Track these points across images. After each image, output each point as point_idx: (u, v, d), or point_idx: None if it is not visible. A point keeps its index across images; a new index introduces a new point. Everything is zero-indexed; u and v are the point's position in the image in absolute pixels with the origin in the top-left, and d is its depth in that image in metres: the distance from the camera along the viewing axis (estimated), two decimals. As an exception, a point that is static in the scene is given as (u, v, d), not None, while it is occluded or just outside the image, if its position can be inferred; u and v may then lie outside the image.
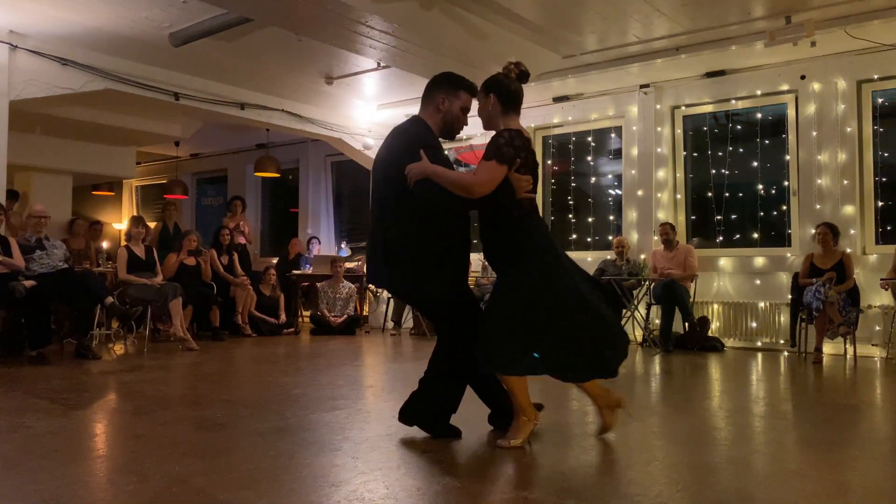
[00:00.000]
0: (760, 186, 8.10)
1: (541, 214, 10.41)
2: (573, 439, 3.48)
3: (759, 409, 4.35)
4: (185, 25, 6.78)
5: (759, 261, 7.86)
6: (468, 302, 3.47)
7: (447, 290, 3.39)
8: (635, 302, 7.85)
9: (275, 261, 10.84)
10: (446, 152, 3.56)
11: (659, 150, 8.58)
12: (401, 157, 3.24)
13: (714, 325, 7.89)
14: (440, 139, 3.49)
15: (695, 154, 8.61)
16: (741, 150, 8.28)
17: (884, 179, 7.43)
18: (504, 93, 3.31)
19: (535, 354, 3.11)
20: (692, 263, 7.75)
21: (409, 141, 3.31)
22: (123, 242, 8.14)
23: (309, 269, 10.16)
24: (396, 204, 3.30)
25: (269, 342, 8.12)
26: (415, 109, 9.95)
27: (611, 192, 9.45)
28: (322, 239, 11.65)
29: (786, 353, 7.23)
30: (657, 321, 7.73)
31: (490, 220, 3.32)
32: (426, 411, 3.45)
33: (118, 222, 14.08)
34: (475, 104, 3.47)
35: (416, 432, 3.47)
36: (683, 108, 8.55)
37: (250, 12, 6.28)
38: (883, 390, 5.27)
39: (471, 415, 4.05)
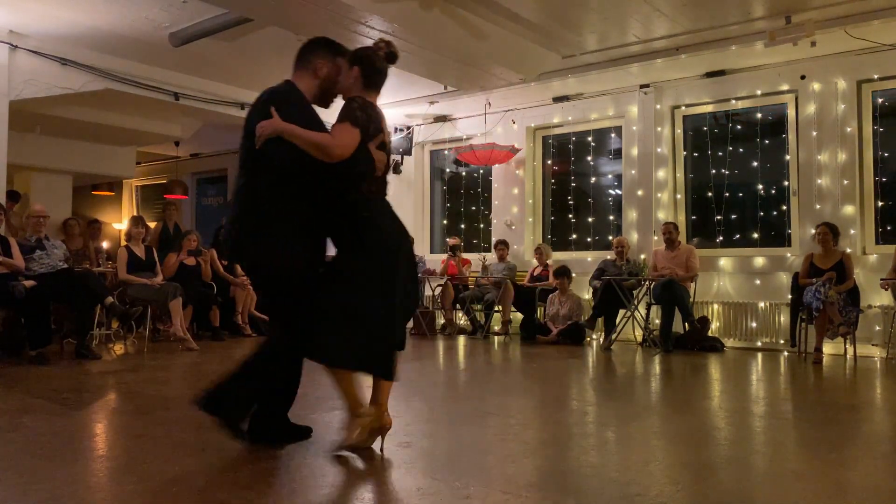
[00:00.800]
0: (760, 186, 8.10)
1: (539, 214, 10.33)
2: (573, 439, 3.48)
3: (759, 409, 4.35)
4: (185, 25, 6.78)
5: (759, 261, 7.86)
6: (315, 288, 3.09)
7: (299, 268, 3.02)
8: (635, 302, 7.85)
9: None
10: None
11: (659, 150, 8.58)
12: (254, 117, 3.04)
13: (714, 325, 7.89)
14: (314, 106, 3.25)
15: (695, 154, 8.61)
16: (741, 150, 8.28)
17: (884, 179, 7.43)
18: (369, 68, 3.18)
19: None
20: (694, 264, 7.75)
21: (267, 100, 3.09)
22: (123, 242, 8.14)
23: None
24: (252, 166, 3.04)
25: (269, 342, 8.11)
26: (415, 109, 9.95)
27: (611, 192, 9.45)
28: (322, 239, 11.64)
29: (786, 353, 7.23)
30: (657, 321, 7.73)
31: (339, 200, 3.08)
32: (240, 405, 3.10)
33: (118, 222, 14.07)
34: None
35: (416, 432, 3.47)
36: (683, 108, 8.55)
37: (250, 12, 6.28)
38: (883, 390, 5.27)
39: (469, 414, 4.05)
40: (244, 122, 3.13)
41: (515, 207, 9.82)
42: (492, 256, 9.32)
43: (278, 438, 3.16)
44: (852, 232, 7.31)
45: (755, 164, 8.14)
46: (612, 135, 9.26)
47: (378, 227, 3.07)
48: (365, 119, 3.07)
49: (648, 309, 7.86)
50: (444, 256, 9.71)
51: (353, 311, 2.97)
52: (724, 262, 8.05)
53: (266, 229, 2.97)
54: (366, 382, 3.16)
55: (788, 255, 7.73)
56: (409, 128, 10.15)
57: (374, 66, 3.20)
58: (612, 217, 9.35)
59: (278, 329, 3.17)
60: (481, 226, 10.44)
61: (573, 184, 9.63)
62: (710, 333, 7.67)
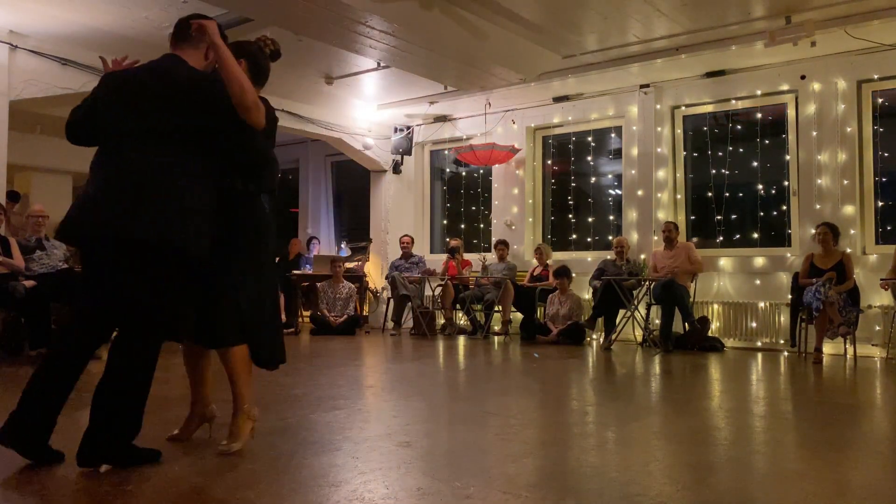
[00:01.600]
0: (760, 186, 8.10)
1: (539, 214, 10.33)
2: (573, 439, 3.48)
3: (759, 409, 4.35)
4: (184, 25, 6.78)
5: (759, 261, 7.86)
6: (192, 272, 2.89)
7: (200, 245, 2.78)
8: (635, 302, 7.85)
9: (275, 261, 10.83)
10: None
11: (659, 150, 8.58)
12: (193, 80, 2.82)
13: (714, 325, 7.89)
14: None
15: (695, 154, 8.61)
16: (741, 150, 8.28)
17: (884, 179, 7.43)
18: (254, 64, 3.08)
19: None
20: (696, 257, 7.75)
21: (190, 69, 2.87)
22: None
23: (309, 270, 10.16)
24: (180, 140, 2.78)
25: (269, 342, 8.11)
26: (415, 109, 9.93)
27: (611, 192, 9.46)
28: (322, 239, 11.66)
29: (786, 353, 7.23)
30: (657, 321, 7.73)
31: (232, 192, 2.96)
32: (118, 438, 2.80)
33: (118, 222, 14.06)
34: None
35: (416, 432, 3.47)
36: (683, 108, 8.55)
37: (250, 12, 6.28)
38: (883, 390, 5.27)
39: (469, 414, 4.05)
40: (170, 93, 2.80)
41: (515, 207, 9.82)
42: (492, 256, 9.32)
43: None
44: (852, 232, 7.31)
45: (755, 164, 8.15)
46: (612, 135, 9.26)
47: (271, 224, 3.10)
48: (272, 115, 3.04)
49: (648, 309, 7.86)
50: (445, 257, 9.71)
51: (256, 299, 2.97)
52: (724, 262, 8.05)
53: (190, 207, 2.73)
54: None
55: (788, 255, 7.73)
56: (409, 128, 10.16)
57: (258, 62, 3.11)
58: (612, 217, 9.35)
59: (158, 321, 2.90)
60: (481, 226, 10.44)
61: (573, 184, 9.63)
62: (710, 333, 7.67)
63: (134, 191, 2.68)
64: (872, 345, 7.00)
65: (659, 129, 8.58)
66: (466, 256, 9.63)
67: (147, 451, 2.88)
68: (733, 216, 8.30)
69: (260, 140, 3.01)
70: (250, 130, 2.86)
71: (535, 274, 9.05)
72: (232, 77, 2.74)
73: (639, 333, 7.99)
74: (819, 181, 7.56)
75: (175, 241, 2.70)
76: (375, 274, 10.62)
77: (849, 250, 7.06)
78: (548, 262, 8.99)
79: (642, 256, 8.41)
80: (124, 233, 2.66)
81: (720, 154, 8.39)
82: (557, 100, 9.29)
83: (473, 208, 10.53)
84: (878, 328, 7.03)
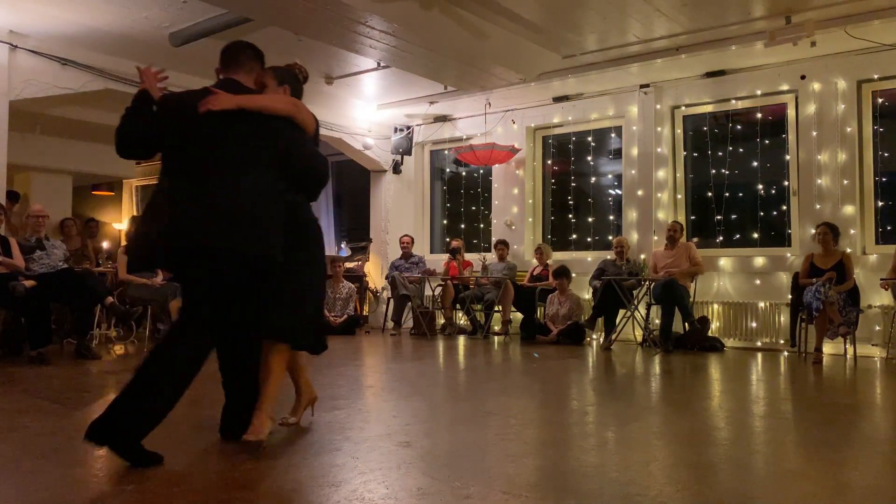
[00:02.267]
0: (760, 186, 8.10)
1: (539, 214, 10.36)
2: (573, 439, 3.48)
3: (759, 409, 4.35)
4: (185, 25, 6.78)
5: (759, 261, 7.86)
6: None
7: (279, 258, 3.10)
8: (635, 302, 7.85)
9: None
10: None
11: (659, 150, 8.58)
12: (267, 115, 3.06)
13: (714, 325, 7.89)
14: None
15: (695, 154, 8.61)
16: (741, 150, 8.28)
17: (884, 179, 7.43)
18: (293, 89, 3.39)
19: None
20: (696, 258, 7.76)
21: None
22: (124, 242, 8.14)
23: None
24: (264, 161, 3.03)
25: (269, 342, 8.10)
26: (415, 109, 9.93)
27: (611, 192, 9.46)
28: (322, 239, 11.63)
29: (786, 353, 7.23)
30: (657, 321, 7.73)
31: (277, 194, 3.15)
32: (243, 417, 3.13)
33: (118, 222, 14.07)
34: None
35: (416, 432, 3.47)
36: (683, 108, 8.55)
37: (250, 12, 6.28)
38: (883, 390, 5.27)
39: (469, 414, 4.05)
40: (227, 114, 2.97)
41: (515, 207, 9.82)
42: (492, 256, 9.32)
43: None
44: (852, 232, 7.31)
45: (755, 164, 8.14)
46: (612, 135, 9.26)
47: (319, 226, 3.45)
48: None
49: (648, 309, 7.86)
50: (445, 257, 9.71)
51: (309, 297, 3.29)
52: (724, 262, 8.05)
53: (270, 220, 3.02)
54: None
55: (788, 255, 7.73)
56: (409, 128, 10.16)
57: (296, 87, 3.43)
58: (612, 217, 9.35)
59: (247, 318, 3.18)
60: (481, 226, 10.44)
61: (573, 184, 9.63)
62: (710, 333, 7.67)
63: (242, 212, 2.94)
64: (872, 345, 7.00)
65: (659, 129, 8.58)
66: (466, 256, 9.63)
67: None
68: (733, 216, 8.30)
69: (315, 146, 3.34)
70: (310, 140, 3.23)
71: (535, 274, 9.05)
72: (273, 106, 3.08)
73: (639, 333, 7.99)
74: (819, 181, 7.56)
75: (278, 255, 3.04)
76: (375, 274, 10.62)
77: (849, 250, 7.06)
78: (548, 262, 8.99)
79: (642, 256, 8.41)
80: (251, 249, 2.96)
81: (720, 154, 8.39)
82: (557, 100, 9.29)
83: (473, 208, 10.53)
84: (878, 328, 7.03)
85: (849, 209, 7.38)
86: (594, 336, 8.30)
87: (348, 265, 10.09)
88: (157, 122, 3.12)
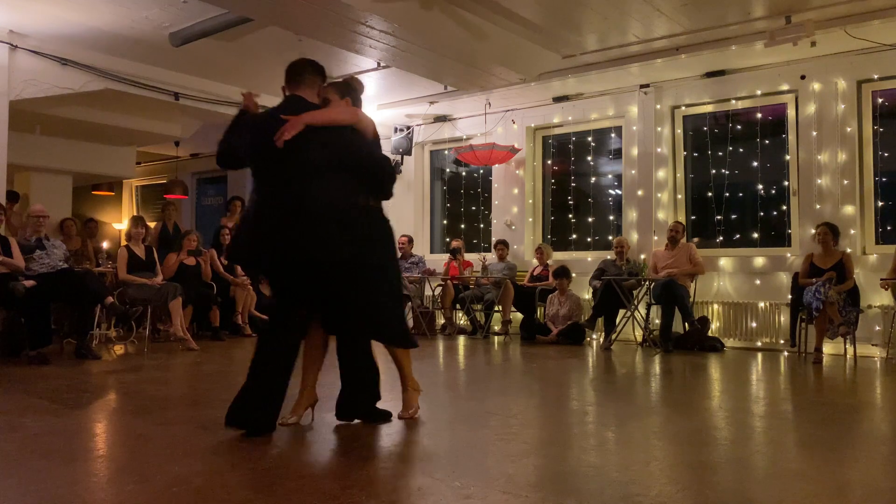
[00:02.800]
0: (760, 186, 8.10)
1: (539, 214, 10.36)
2: (573, 439, 3.48)
3: (759, 409, 4.35)
4: (185, 25, 6.78)
5: (759, 261, 7.86)
6: None
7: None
8: (635, 302, 7.85)
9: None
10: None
11: (659, 150, 8.58)
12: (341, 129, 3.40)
13: (714, 325, 7.89)
14: None
15: (695, 154, 8.61)
16: (741, 150, 8.28)
17: (884, 179, 7.43)
18: (354, 99, 3.70)
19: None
20: (697, 258, 7.76)
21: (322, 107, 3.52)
22: (124, 242, 8.14)
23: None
24: (336, 167, 3.34)
25: (269, 342, 8.10)
26: (415, 109, 9.93)
27: (611, 192, 9.45)
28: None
29: (786, 353, 7.23)
30: (657, 321, 7.73)
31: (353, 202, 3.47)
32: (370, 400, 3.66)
33: (118, 222, 14.07)
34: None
35: (416, 432, 3.47)
36: (683, 108, 8.55)
37: (250, 12, 6.28)
38: (883, 390, 5.27)
39: (469, 414, 4.05)
40: (323, 132, 3.33)
41: (515, 207, 9.82)
42: (492, 256, 9.32)
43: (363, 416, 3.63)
44: (852, 232, 7.31)
45: (755, 164, 8.14)
46: (612, 135, 9.26)
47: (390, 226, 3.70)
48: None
49: (648, 309, 7.86)
50: (445, 257, 9.71)
51: (397, 297, 3.69)
52: (724, 262, 8.05)
53: (343, 226, 3.31)
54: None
55: (788, 255, 7.73)
56: (409, 128, 10.15)
57: (356, 98, 3.72)
58: (612, 217, 9.35)
59: (347, 320, 3.53)
60: (481, 226, 10.44)
61: (573, 184, 9.63)
62: (710, 333, 7.67)
63: (315, 222, 3.25)
64: (872, 345, 7.00)
65: (659, 129, 8.58)
66: (466, 256, 9.63)
67: (383, 411, 3.64)
68: (733, 216, 8.30)
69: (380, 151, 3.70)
70: (374, 142, 3.55)
71: (535, 274, 9.05)
72: (336, 117, 3.40)
73: (639, 333, 7.99)
74: (819, 181, 7.56)
75: (353, 257, 3.31)
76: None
77: (849, 250, 7.06)
78: (548, 262, 8.99)
79: (642, 256, 8.41)
80: (325, 257, 3.27)
81: (720, 154, 8.38)
82: (557, 100, 9.29)
83: (473, 208, 10.53)
84: (878, 328, 7.03)
85: (849, 209, 7.38)
86: (594, 336, 8.30)
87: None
88: (244, 138, 3.47)
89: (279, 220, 3.26)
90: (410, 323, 9.38)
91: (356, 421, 3.61)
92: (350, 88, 3.70)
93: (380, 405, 3.71)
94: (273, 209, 3.29)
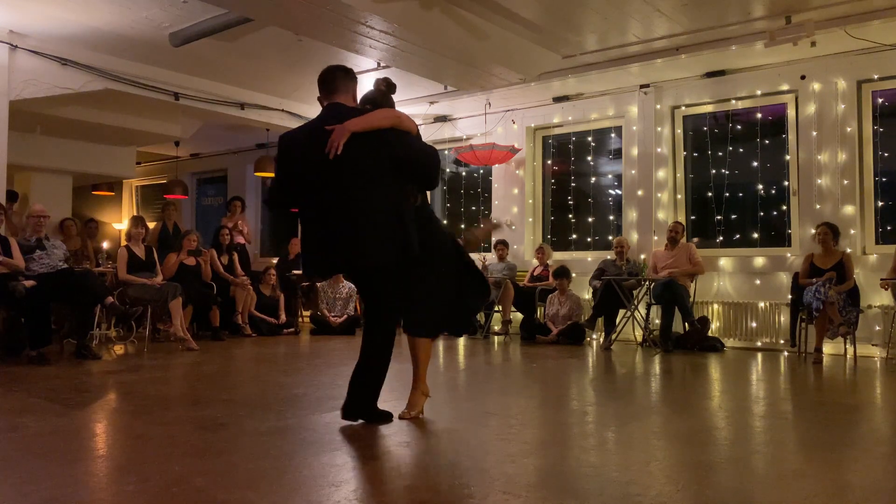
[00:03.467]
0: (760, 186, 8.10)
1: (539, 214, 10.35)
2: (573, 439, 3.48)
3: (759, 409, 4.35)
4: (185, 25, 6.78)
5: (759, 261, 7.86)
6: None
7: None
8: (635, 302, 7.85)
9: (275, 261, 10.84)
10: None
11: (659, 150, 8.58)
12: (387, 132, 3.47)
13: (714, 325, 7.89)
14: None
15: (695, 154, 8.61)
16: (741, 150, 8.28)
17: (884, 179, 7.43)
18: (387, 101, 3.77)
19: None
20: (697, 259, 7.76)
21: (360, 111, 3.57)
22: (124, 242, 8.14)
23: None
24: (389, 176, 3.45)
25: (269, 342, 8.12)
26: (415, 109, 9.95)
27: (611, 192, 9.45)
28: (322, 239, 11.62)
29: (786, 353, 7.23)
30: (657, 321, 7.73)
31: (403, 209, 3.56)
32: (373, 399, 3.66)
33: (118, 222, 14.07)
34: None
35: (416, 432, 3.47)
36: (683, 108, 8.55)
37: (250, 12, 6.28)
38: (883, 390, 5.27)
39: (469, 414, 4.05)
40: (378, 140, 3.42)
41: (515, 207, 9.83)
42: (492, 256, 9.32)
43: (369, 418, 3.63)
44: (852, 232, 7.31)
45: (755, 164, 8.14)
46: (612, 135, 9.26)
47: (437, 218, 3.86)
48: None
49: (648, 309, 7.86)
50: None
51: (442, 288, 3.65)
52: (724, 262, 8.05)
53: (391, 231, 3.42)
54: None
55: (788, 255, 7.73)
56: (409, 128, 10.14)
57: (389, 97, 3.80)
58: (612, 217, 9.35)
59: (384, 316, 3.62)
60: (481, 226, 10.42)
61: (573, 184, 9.63)
62: (710, 333, 7.67)
63: (364, 231, 3.40)
64: (872, 345, 7.00)
65: (659, 129, 8.58)
66: (466, 256, 9.62)
67: (384, 412, 3.63)
68: (733, 216, 8.30)
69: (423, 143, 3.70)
70: (418, 138, 3.61)
71: (535, 274, 9.05)
72: (380, 123, 3.42)
73: (639, 333, 7.99)
74: (819, 181, 7.56)
75: (398, 259, 3.46)
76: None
77: (849, 250, 7.06)
78: (548, 262, 8.99)
79: (642, 256, 8.41)
80: (371, 262, 3.45)
81: (720, 154, 8.38)
82: (557, 100, 9.29)
83: (473, 208, 10.53)
84: (878, 328, 7.03)
85: (849, 209, 7.39)
86: (594, 336, 8.30)
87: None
88: (280, 166, 3.61)
89: (346, 227, 3.39)
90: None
91: (359, 421, 3.60)
92: (384, 95, 3.78)
93: (384, 405, 3.70)
94: (338, 217, 3.40)
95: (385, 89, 3.82)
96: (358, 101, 3.73)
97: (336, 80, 3.63)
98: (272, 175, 10.56)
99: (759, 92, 7.97)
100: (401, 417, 3.66)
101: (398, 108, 3.65)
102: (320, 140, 3.35)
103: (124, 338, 7.81)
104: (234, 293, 8.72)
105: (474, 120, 9.99)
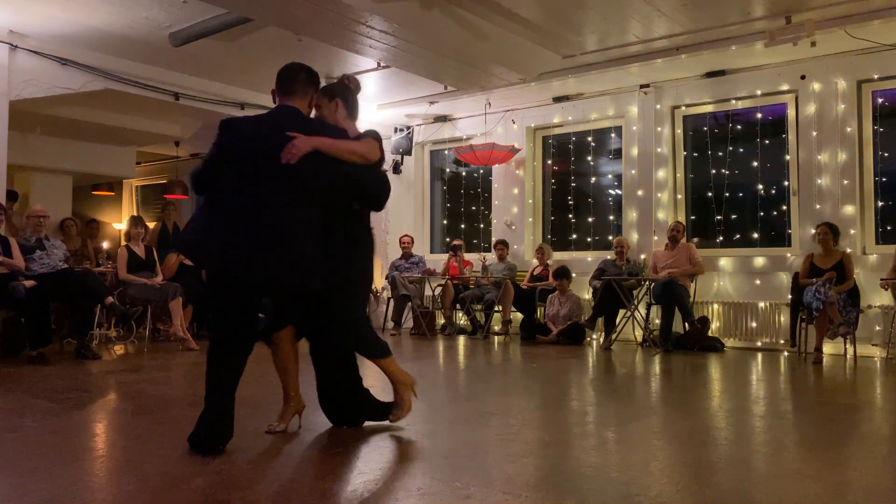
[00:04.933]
0: (760, 186, 8.10)
1: (539, 214, 10.32)
2: (573, 439, 3.48)
3: (759, 409, 4.35)
4: (185, 25, 6.78)
5: (759, 261, 7.86)
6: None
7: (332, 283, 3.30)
8: (635, 302, 7.85)
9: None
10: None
11: (659, 150, 8.58)
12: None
13: (714, 325, 7.89)
14: None
15: (695, 154, 8.61)
16: (741, 150, 8.28)
17: (884, 179, 7.43)
18: (345, 101, 3.49)
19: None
20: (697, 259, 7.76)
21: (321, 125, 3.32)
22: (123, 242, 8.14)
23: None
24: (300, 186, 3.12)
25: (269, 342, 8.11)
26: (415, 109, 9.96)
27: (611, 192, 9.45)
28: (322, 239, 11.63)
29: (786, 353, 7.23)
30: (657, 321, 7.72)
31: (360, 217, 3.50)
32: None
33: (118, 222, 14.07)
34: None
35: (416, 432, 3.47)
36: (683, 108, 8.55)
37: (250, 12, 6.28)
38: (883, 390, 5.27)
39: (469, 414, 4.05)
40: (268, 139, 3.12)
41: (515, 207, 9.82)
42: (492, 256, 9.32)
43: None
44: (852, 232, 7.31)
45: (755, 164, 8.14)
46: (612, 135, 9.26)
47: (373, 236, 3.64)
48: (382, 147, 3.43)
49: (648, 309, 7.86)
50: (446, 257, 9.71)
51: (363, 308, 3.55)
52: (724, 262, 8.05)
53: (313, 253, 3.15)
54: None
55: (788, 255, 7.73)
56: (409, 128, 10.15)
57: (349, 99, 3.50)
58: (612, 217, 9.35)
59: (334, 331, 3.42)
60: (481, 226, 10.44)
61: (573, 184, 9.63)
62: (710, 333, 7.67)
63: (286, 245, 3.08)
64: (872, 345, 7.00)
65: (659, 129, 8.58)
66: (466, 256, 9.63)
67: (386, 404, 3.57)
68: (733, 216, 8.30)
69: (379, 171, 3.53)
70: (376, 169, 3.42)
71: (535, 274, 9.05)
72: (346, 155, 3.15)
73: (639, 333, 7.98)
74: (819, 181, 7.56)
75: (317, 285, 3.19)
76: (375, 274, 10.62)
77: (849, 250, 7.06)
78: (548, 262, 8.99)
79: (642, 256, 8.41)
80: (293, 281, 3.17)
81: (720, 154, 8.38)
82: (557, 100, 9.29)
83: (473, 208, 10.53)
84: (878, 328, 7.03)
85: (849, 209, 7.38)
86: (594, 336, 8.29)
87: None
88: (218, 149, 3.23)
89: (259, 237, 3.03)
90: (410, 323, 9.40)
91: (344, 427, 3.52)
92: (345, 89, 3.52)
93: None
94: (255, 222, 3.05)
95: (352, 87, 3.56)
96: (323, 95, 3.44)
97: (297, 81, 3.30)
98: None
99: (759, 92, 7.97)
100: (391, 421, 3.54)
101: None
102: (273, 138, 3.05)
103: (124, 338, 7.81)
104: (234, 293, 8.70)
105: (474, 120, 9.99)
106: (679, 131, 8.62)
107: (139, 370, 5.80)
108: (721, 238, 8.33)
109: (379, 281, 10.41)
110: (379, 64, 7.77)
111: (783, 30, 6.48)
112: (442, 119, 10.31)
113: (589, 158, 9.47)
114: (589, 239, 9.41)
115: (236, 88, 8.71)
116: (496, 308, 8.95)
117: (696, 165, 8.59)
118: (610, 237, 8.97)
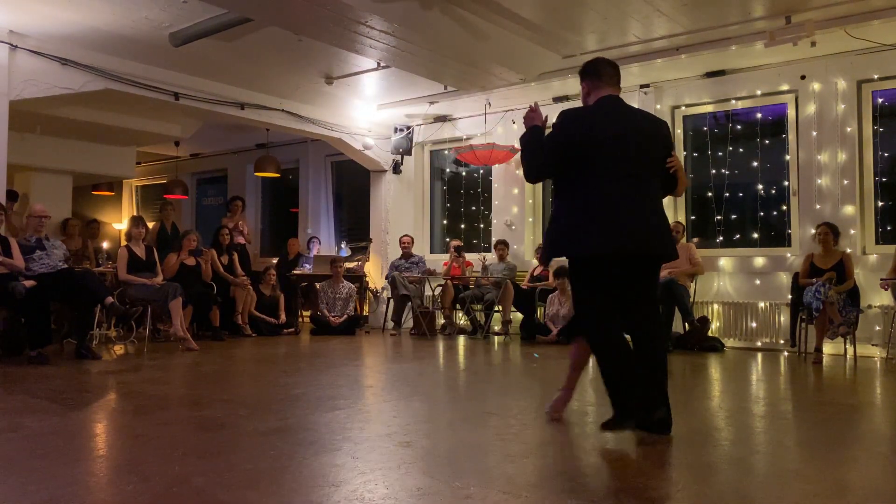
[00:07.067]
0: (760, 186, 8.10)
1: (539, 214, 10.28)
2: (573, 439, 3.48)
3: (759, 409, 4.35)
4: (185, 25, 6.78)
5: (759, 261, 7.86)
6: None
7: None
8: (635, 302, 7.84)
9: (275, 261, 10.85)
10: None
11: (659, 150, 8.56)
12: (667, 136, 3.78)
13: (714, 325, 7.89)
14: None
15: (695, 154, 8.61)
16: (741, 150, 8.28)
17: (884, 179, 7.43)
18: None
19: None
20: (696, 259, 7.76)
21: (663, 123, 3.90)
22: (124, 242, 8.14)
23: (308, 269, 10.16)
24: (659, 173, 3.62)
25: (269, 342, 8.13)
26: (415, 109, 9.97)
27: (611, 192, 9.43)
28: (322, 239, 11.66)
29: (786, 353, 7.23)
30: (657, 321, 7.71)
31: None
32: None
33: (118, 222, 14.08)
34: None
35: (416, 432, 3.47)
36: (683, 108, 8.55)
37: (250, 12, 6.28)
38: (883, 390, 5.27)
39: (469, 414, 4.05)
40: (646, 133, 3.68)
41: (515, 207, 9.82)
42: (492, 256, 9.32)
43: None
44: (852, 232, 7.31)
45: (755, 164, 8.14)
46: (612, 135, 9.24)
47: None
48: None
49: (648, 309, 7.85)
50: (447, 257, 9.71)
51: None
52: (724, 262, 8.05)
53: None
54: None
55: (788, 255, 7.73)
56: (409, 128, 10.15)
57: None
58: (611, 217, 9.33)
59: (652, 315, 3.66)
60: (481, 226, 10.44)
61: (573, 184, 9.61)
62: (710, 333, 7.67)
63: (663, 220, 3.56)
64: (872, 345, 7.00)
65: (659, 129, 8.56)
66: (466, 257, 9.64)
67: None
68: (733, 216, 8.30)
69: None
70: None
71: (535, 274, 9.05)
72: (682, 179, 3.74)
73: (639, 333, 7.97)
74: (819, 181, 7.56)
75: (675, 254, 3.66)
76: (375, 274, 10.62)
77: (849, 250, 7.06)
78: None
79: (642, 256, 8.39)
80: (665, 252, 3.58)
81: (720, 154, 8.38)
82: (557, 100, 9.28)
83: (473, 208, 10.53)
84: (878, 328, 7.03)
85: (849, 209, 7.38)
86: (594, 336, 8.28)
87: (348, 265, 10.09)
88: (557, 146, 3.60)
89: (645, 214, 3.43)
90: (410, 323, 9.40)
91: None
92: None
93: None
94: (629, 200, 3.40)
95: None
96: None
97: (614, 72, 4.03)
98: (274, 175, 10.70)
99: (759, 92, 7.97)
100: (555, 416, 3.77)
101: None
102: (639, 130, 3.61)
103: (124, 338, 7.81)
104: (234, 293, 8.72)
105: (474, 120, 9.99)
106: (679, 131, 8.62)
107: (139, 370, 5.80)
108: (721, 238, 8.33)
109: (379, 281, 10.42)
110: (379, 64, 7.76)
111: (783, 30, 6.48)
112: (442, 119, 10.31)
113: (589, 158, 9.45)
114: (589, 239, 9.39)
115: (236, 88, 8.71)
116: (496, 308, 8.95)
117: (696, 165, 8.59)
118: (610, 237, 8.95)
